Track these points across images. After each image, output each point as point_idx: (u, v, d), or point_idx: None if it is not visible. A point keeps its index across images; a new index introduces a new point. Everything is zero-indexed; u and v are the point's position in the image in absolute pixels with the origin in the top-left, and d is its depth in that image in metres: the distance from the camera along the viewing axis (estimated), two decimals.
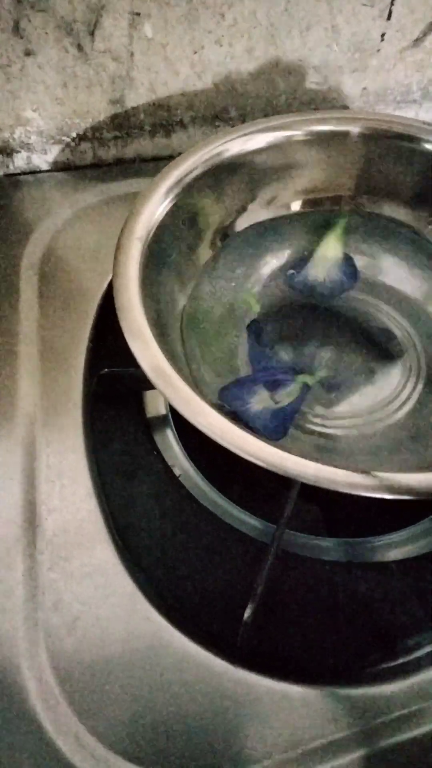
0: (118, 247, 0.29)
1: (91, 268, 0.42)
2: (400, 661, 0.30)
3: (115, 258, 0.29)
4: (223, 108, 0.46)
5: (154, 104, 0.45)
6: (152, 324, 0.28)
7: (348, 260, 0.38)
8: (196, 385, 0.29)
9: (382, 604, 0.31)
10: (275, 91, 0.46)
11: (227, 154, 0.33)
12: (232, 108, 0.46)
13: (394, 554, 0.32)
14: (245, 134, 0.33)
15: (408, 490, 0.23)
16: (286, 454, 0.23)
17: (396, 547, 0.33)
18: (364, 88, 0.47)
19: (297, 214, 0.38)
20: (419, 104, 0.49)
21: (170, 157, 0.48)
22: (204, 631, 0.30)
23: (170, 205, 0.31)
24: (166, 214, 0.31)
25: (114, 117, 0.45)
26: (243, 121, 0.47)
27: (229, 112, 0.46)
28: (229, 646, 0.29)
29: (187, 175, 0.32)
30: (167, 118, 0.46)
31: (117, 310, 0.28)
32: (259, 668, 0.29)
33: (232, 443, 0.24)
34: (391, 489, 0.23)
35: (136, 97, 0.44)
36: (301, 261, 0.38)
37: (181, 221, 0.33)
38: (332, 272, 0.37)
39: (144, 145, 0.48)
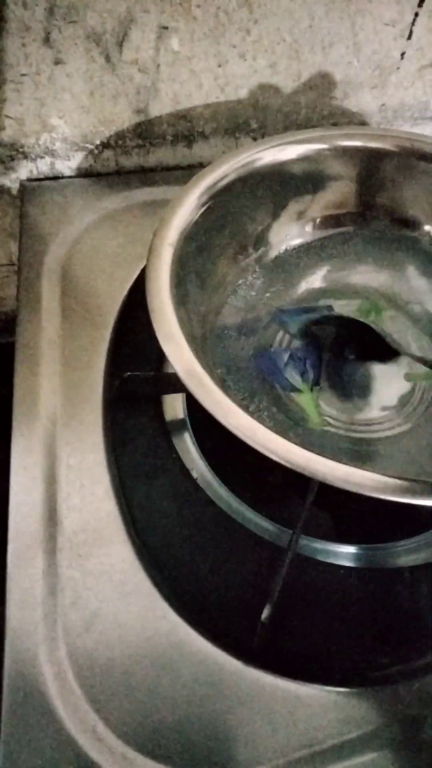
0: (151, 252, 0.30)
1: (112, 273, 0.43)
2: (412, 664, 0.30)
3: (148, 263, 0.30)
4: (245, 120, 0.47)
5: (177, 115, 0.46)
6: (183, 327, 0.28)
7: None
8: (222, 385, 0.29)
9: (396, 608, 0.31)
10: (296, 106, 0.47)
11: (259, 164, 0.34)
12: (253, 120, 0.47)
13: (408, 560, 0.33)
14: (278, 145, 0.34)
15: None
16: (314, 456, 0.24)
17: (410, 554, 0.33)
18: (383, 104, 0.48)
19: (322, 237, 0.39)
20: None
21: (191, 167, 0.50)
22: (219, 631, 0.30)
23: (202, 211, 0.32)
24: (198, 221, 0.32)
25: (137, 126, 0.46)
26: (264, 134, 0.48)
27: (250, 124, 0.47)
28: (244, 646, 0.30)
29: (219, 182, 0.33)
30: (189, 129, 0.47)
31: (150, 313, 0.28)
32: (274, 668, 0.30)
33: (261, 444, 0.24)
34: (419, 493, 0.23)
35: (160, 108, 0.45)
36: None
37: (212, 228, 0.34)
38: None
39: (166, 155, 0.49)
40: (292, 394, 0.34)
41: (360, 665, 0.30)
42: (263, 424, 0.25)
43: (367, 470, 0.24)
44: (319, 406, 0.34)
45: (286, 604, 0.30)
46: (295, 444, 0.24)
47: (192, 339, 0.29)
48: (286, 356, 0.34)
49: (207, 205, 0.32)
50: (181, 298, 0.29)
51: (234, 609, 0.31)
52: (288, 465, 0.24)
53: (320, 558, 0.33)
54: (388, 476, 0.23)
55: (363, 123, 0.49)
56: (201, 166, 0.50)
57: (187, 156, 0.49)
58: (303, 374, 0.35)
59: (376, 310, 0.37)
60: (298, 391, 0.34)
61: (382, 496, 0.23)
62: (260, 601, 0.30)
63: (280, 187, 0.36)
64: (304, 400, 0.34)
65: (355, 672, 0.30)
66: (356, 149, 0.36)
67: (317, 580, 0.32)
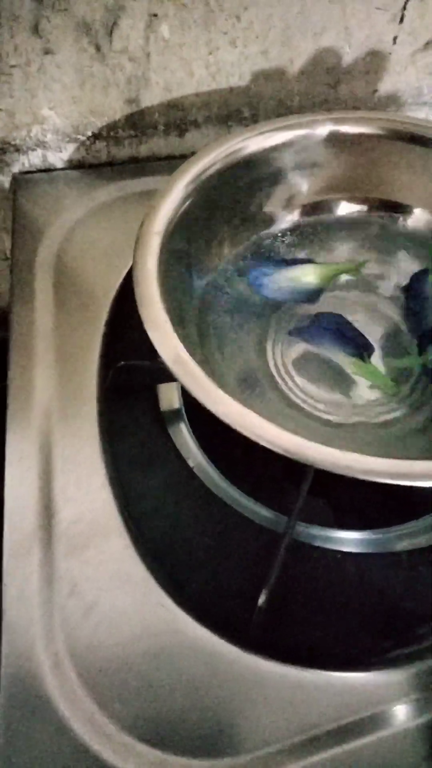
0: (138, 241, 0.30)
1: (105, 265, 0.43)
2: (411, 648, 0.30)
3: (135, 252, 0.30)
4: (237, 108, 0.47)
5: (168, 104, 0.45)
6: (171, 315, 0.28)
7: (317, 292, 0.39)
8: (213, 373, 0.29)
9: (393, 592, 0.31)
10: (288, 92, 0.46)
11: (245, 152, 0.34)
12: (246, 108, 0.47)
13: (406, 545, 0.33)
14: (264, 132, 0.34)
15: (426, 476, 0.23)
16: (304, 441, 0.24)
17: (407, 538, 0.33)
18: (376, 90, 0.48)
19: (311, 222, 0.39)
20: (430, 106, 0.50)
21: (184, 156, 0.49)
22: (216, 618, 0.30)
23: (189, 200, 0.32)
24: (185, 210, 0.32)
25: (129, 116, 0.46)
26: (256, 122, 0.48)
27: (243, 112, 0.47)
28: (241, 633, 0.30)
29: (205, 171, 0.33)
30: (181, 118, 0.47)
31: (137, 302, 0.28)
32: (271, 654, 0.30)
33: (250, 430, 0.24)
34: (409, 476, 0.23)
35: (152, 97, 0.45)
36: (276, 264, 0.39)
37: (199, 216, 0.33)
38: (289, 289, 0.38)
39: (158, 144, 0.48)
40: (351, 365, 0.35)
41: (358, 649, 0.30)
42: (256, 411, 0.25)
43: (354, 453, 0.23)
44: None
45: (283, 590, 0.30)
46: (285, 429, 0.24)
47: (182, 327, 0.28)
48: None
49: (194, 195, 0.32)
50: (170, 287, 0.29)
51: (231, 595, 0.31)
52: (278, 450, 0.24)
53: (317, 544, 0.33)
54: (377, 458, 0.23)
55: (356, 109, 0.48)
56: (194, 155, 0.50)
57: (180, 145, 0.49)
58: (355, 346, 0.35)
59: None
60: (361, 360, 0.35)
61: (371, 479, 0.23)
62: (257, 587, 0.30)
63: (267, 174, 0.36)
64: (368, 370, 0.35)
65: (353, 656, 0.30)
66: (343, 134, 0.36)
67: (314, 565, 0.32)
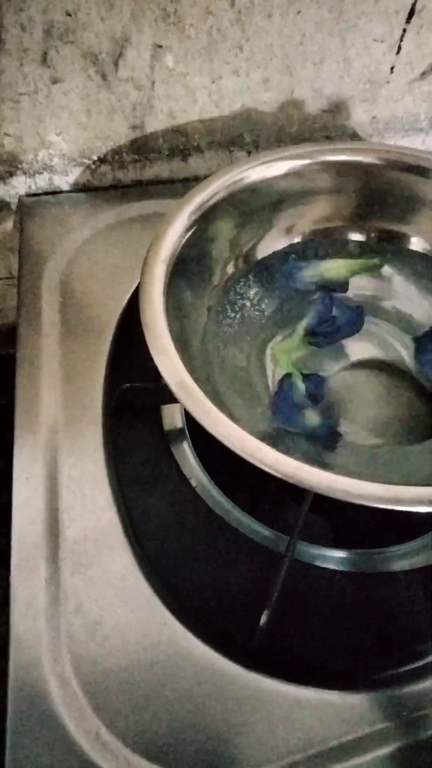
0: (144, 268, 0.31)
1: (111, 287, 0.44)
2: (409, 667, 0.31)
3: (141, 279, 0.31)
4: (239, 134, 0.48)
5: (172, 130, 0.47)
6: (175, 340, 0.29)
7: (343, 284, 0.40)
8: (216, 396, 0.30)
9: (391, 612, 0.32)
10: (289, 119, 0.48)
11: (248, 181, 0.35)
12: (247, 134, 0.48)
13: (403, 564, 0.34)
14: (266, 162, 0.35)
15: (418, 501, 0.24)
16: (301, 464, 0.25)
17: (404, 558, 0.34)
18: (374, 117, 0.49)
19: (313, 242, 0.40)
20: (426, 132, 0.51)
21: (187, 180, 0.51)
22: (219, 637, 0.31)
23: (193, 228, 0.33)
24: (189, 238, 0.33)
25: (134, 141, 0.47)
26: (257, 148, 0.49)
27: (245, 138, 0.48)
28: (243, 651, 0.31)
29: (209, 199, 0.34)
30: (185, 144, 0.48)
31: (143, 327, 0.29)
32: (273, 672, 0.30)
33: (249, 454, 0.25)
34: (400, 501, 0.24)
35: (156, 123, 0.46)
36: (306, 260, 0.40)
37: (204, 245, 0.35)
38: (319, 280, 0.39)
39: (162, 168, 0.49)
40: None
41: (358, 668, 0.31)
42: (258, 431, 0.26)
43: (353, 478, 0.24)
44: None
45: (284, 609, 0.31)
46: (284, 453, 0.25)
47: (186, 351, 0.29)
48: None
49: (198, 223, 0.33)
50: (174, 313, 0.30)
51: (233, 614, 0.32)
52: (275, 474, 0.25)
53: (318, 563, 0.34)
54: (371, 483, 0.24)
55: (355, 135, 0.50)
56: (197, 179, 0.51)
57: (183, 169, 0.50)
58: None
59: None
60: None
61: (365, 503, 0.24)
62: (259, 607, 0.31)
63: (268, 202, 0.37)
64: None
65: (352, 675, 0.31)
66: (342, 163, 0.37)
67: (314, 584, 0.33)
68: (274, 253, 0.38)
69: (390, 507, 0.24)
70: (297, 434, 0.34)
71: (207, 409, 0.26)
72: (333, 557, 0.34)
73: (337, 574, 0.33)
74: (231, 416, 0.27)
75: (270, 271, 0.39)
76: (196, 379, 0.28)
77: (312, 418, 0.35)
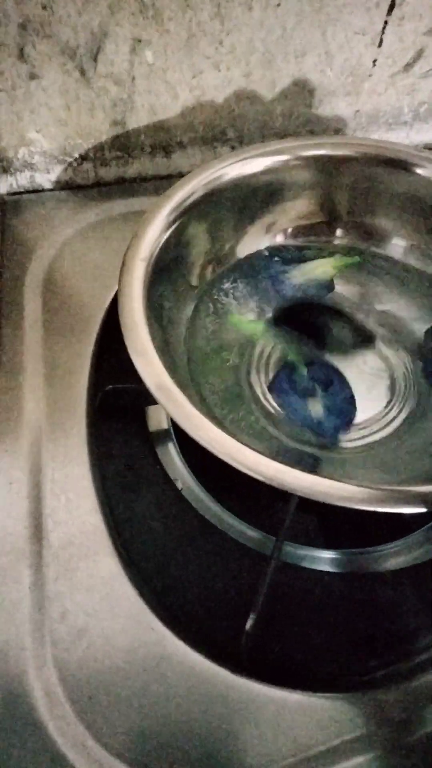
0: (123, 268, 0.30)
1: (94, 286, 0.43)
2: (398, 667, 0.31)
3: (120, 278, 0.30)
4: (222, 130, 0.47)
5: (154, 126, 0.46)
6: (156, 341, 0.29)
7: (329, 284, 0.39)
8: (200, 398, 0.30)
9: (379, 612, 0.32)
10: (272, 114, 0.47)
11: (226, 178, 0.35)
12: (230, 130, 0.48)
13: (391, 564, 0.33)
14: (244, 158, 0.35)
15: (401, 502, 0.24)
16: (283, 467, 0.25)
17: (392, 557, 0.33)
18: (357, 111, 0.48)
19: (299, 244, 0.39)
20: (410, 125, 0.51)
21: (170, 177, 0.50)
22: (207, 641, 0.31)
23: (173, 227, 0.32)
24: (169, 236, 0.32)
25: (115, 138, 0.46)
26: (241, 143, 0.49)
27: (227, 133, 0.48)
28: (231, 655, 0.30)
29: (188, 198, 0.33)
30: (167, 140, 0.47)
31: (122, 329, 0.29)
32: (261, 676, 0.30)
33: (231, 457, 0.25)
34: (383, 502, 0.24)
35: (137, 119, 0.45)
36: (290, 264, 0.40)
37: (184, 243, 0.34)
38: (309, 283, 0.38)
39: (144, 165, 0.49)
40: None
41: (346, 670, 0.31)
42: (240, 437, 0.25)
43: (335, 480, 0.24)
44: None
45: (271, 613, 0.30)
46: (266, 456, 0.24)
47: (167, 352, 0.29)
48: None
49: (177, 222, 0.33)
50: (155, 313, 0.30)
51: (220, 618, 0.31)
52: (256, 476, 0.24)
53: (305, 564, 0.33)
54: (353, 485, 0.24)
55: (338, 129, 0.49)
56: (180, 175, 0.50)
57: (167, 166, 0.49)
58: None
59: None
60: None
61: (348, 505, 0.24)
62: (246, 610, 0.30)
63: (248, 200, 0.37)
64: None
65: (341, 677, 0.30)
66: (321, 158, 0.36)
67: (301, 586, 0.32)
68: (256, 251, 0.38)
69: (372, 509, 0.24)
70: (292, 427, 0.33)
71: (187, 412, 0.26)
72: (321, 558, 0.34)
73: (325, 575, 0.33)
74: (214, 418, 0.26)
75: (254, 270, 0.39)
76: (178, 381, 0.28)
77: (317, 408, 0.35)
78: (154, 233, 0.31)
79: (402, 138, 0.52)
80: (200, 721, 0.29)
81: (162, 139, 0.47)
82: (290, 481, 0.24)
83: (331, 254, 0.39)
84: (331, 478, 0.25)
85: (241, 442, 0.25)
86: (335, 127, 0.49)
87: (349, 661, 0.31)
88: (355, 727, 0.29)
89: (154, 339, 0.29)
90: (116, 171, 0.49)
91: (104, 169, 0.48)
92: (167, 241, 0.32)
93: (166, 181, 0.49)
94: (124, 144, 0.47)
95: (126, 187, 0.49)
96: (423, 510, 0.25)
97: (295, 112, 0.47)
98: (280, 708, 0.29)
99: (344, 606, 0.32)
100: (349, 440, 0.35)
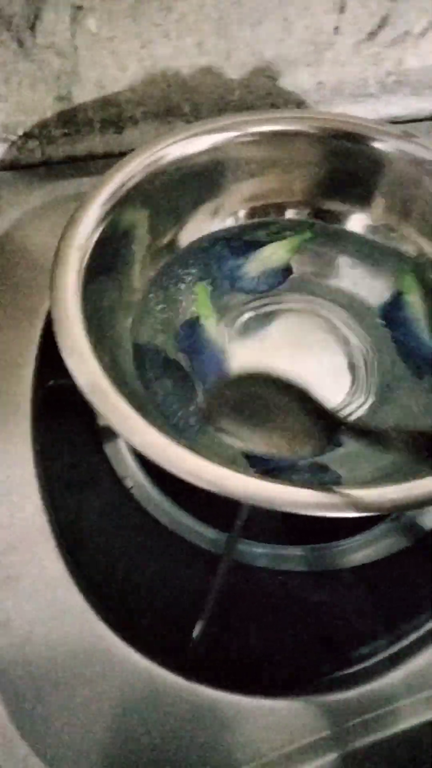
0: (56, 258, 0.28)
1: (43, 272, 0.40)
2: (355, 668, 0.30)
3: (53, 269, 0.28)
4: (176, 104, 0.45)
5: (103, 100, 0.43)
6: (93, 336, 0.27)
7: (286, 268, 0.38)
8: (140, 398, 0.28)
9: (337, 612, 0.31)
10: (228, 86, 0.44)
11: (168, 159, 0.32)
12: (185, 103, 0.45)
13: (350, 560, 0.32)
14: (185, 138, 0.32)
15: (351, 507, 0.22)
16: (226, 472, 0.23)
17: (352, 553, 0.32)
18: (320, 82, 0.46)
19: (248, 225, 0.37)
20: (377, 97, 0.48)
21: (122, 154, 0.47)
22: (157, 647, 0.29)
23: (111, 214, 0.30)
24: (107, 224, 0.30)
25: (61, 114, 0.43)
26: (197, 117, 0.46)
27: (183, 107, 0.45)
28: (183, 662, 0.29)
29: (127, 181, 0.31)
30: (117, 115, 0.44)
31: (53, 324, 0.27)
32: (214, 681, 0.29)
33: (169, 461, 0.23)
34: (333, 507, 0.22)
35: (84, 94, 0.43)
36: (243, 255, 0.37)
37: (124, 230, 0.32)
38: (267, 272, 0.37)
39: (95, 142, 0.46)
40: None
41: (301, 673, 0.30)
42: (179, 440, 0.24)
43: (278, 483, 0.22)
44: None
45: (223, 616, 0.29)
46: (208, 461, 0.23)
47: (106, 348, 0.27)
48: None
49: (119, 206, 0.30)
50: (95, 306, 0.28)
51: (170, 624, 0.30)
52: (197, 483, 0.23)
53: (259, 563, 0.32)
54: (299, 489, 0.22)
55: (300, 102, 0.47)
56: (117, 163, 0.47)
57: (118, 142, 0.46)
58: None
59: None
60: None
61: (294, 511, 0.22)
62: (198, 614, 0.29)
63: (192, 182, 0.34)
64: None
65: (296, 681, 0.29)
66: (270, 134, 0.34)
67: (256, 587, 0.31)
68: (207, 235, 0.36)
69: (320, 513, 0.22)
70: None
71: (122, 415, 0.24)
72: (278, 556, 0.32)
73: (280, 575, 0.31)
74: (160, 416, 0.24)
75: (207, 258, 0.37)
76: (117, 379, 0.26)
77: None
78: (90, 220, 0.29)
79: (369, 111, 0.49)
80: (153, 730, 0.28)
81: (112, 114, 0.44)
82: (233, 486, 0.23)
83: (282, 236, 0.37)
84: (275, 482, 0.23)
85: (182, 445, 0.24)
86: (297, 100, 0.47)
87: (305, 664, 0.30)
88: (312, 731, 0.28)
89: (90, 334, 0.27)
90: (65, 149, 0.46)
91: (51, 147, 0.46)
92: (106, 228, 0.30)
93: (118, 159, 0.46)
94: (71, 120, 0.44)
95: (76, 165, 0.46)
96: (373, 514, 0.23)
97: (254, 84, 0.45)
98: (234, 713, 0.28)
99: (300, 607, 0.31)
100: None
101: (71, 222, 0.29)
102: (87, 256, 0.28)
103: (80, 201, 0.30)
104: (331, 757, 0.28)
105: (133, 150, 0.46)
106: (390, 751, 0.28)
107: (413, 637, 0.31)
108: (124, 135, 0.46)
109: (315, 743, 0.28)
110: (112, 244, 0.31)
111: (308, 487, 0.23)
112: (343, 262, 0.37)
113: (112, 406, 0.24)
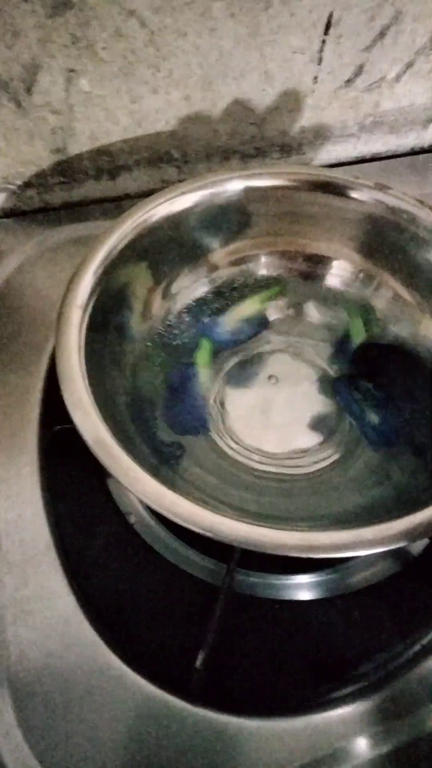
0: (59, 316, 0.30)
1: (43, 317, 0.43)
2: (350, 688, 0.32)
3: (56, 328, 0.30)
4: (166, 151, 0.47)
5: (97, 151, 0.46)
6: (96, 392, 0.29)
7: (262, 319, 0.40)
8: (146, 443, 0.30)
9: (331, 636, 0.33)
10: (215, 133, 0.47)
11: (160, 216, 0.35)
12: (175, 150, 0.47)
13: (343, 587, 0.34)
14: (170, 198, 0.35)
15: (333, 548, 0.25)
16: (218, 518, 0.25)
17: (344, 580, 0.34)
18: (302, 127, 0.48)
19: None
20: (357, 137, 0.51)
21: (117, 199, 0.50)
22: (164, 676, 0.31)
23: (111, 270, 0.32)
24: (105, 281, 0.32)
25: (58, 164, 0.46)
26: (186, 162, 0.48)
27: (172, 154, 0.47)
28: (188, 687, 0.31)
29: (123, 238, 0.33)
30: (111, 163, 0.47)
31: (59, 380, 0.29)
32: (218, 706, 0.31)
33: (167, 509, 0.25)
34: (318, 549, 0.24)
35: (79, 146, 0.45)
36: (218, 310, 0.41)
37: (122, 285, 0.34)
38: (242, 324, 0.39)
39: (90, 189, 0.48)
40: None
41: (299, 695, 0.32)
42: (176, 487, 0.26)
43: (269, 528, 0.25)
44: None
45: (224, 643, 0.31)
46: (203, 507, 0.25)
47: (108, 401, 0.29)
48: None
49: (115, 264, 0.33)
50: (96, 360, 0.30)
51: (177, 654, 0.32)
52: (194, 528, 0.25)
53: (257, 593, 0.34)
54: (286, 532, 0.24)
55: (284, 145, 0.49)
56: (127, 197, 0.50)
57: (112, 188, 0.49)
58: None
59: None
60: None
61: (281, 553, 0.24)
62: (200, 643, 0.31)
63: (181, 238, 0.37)
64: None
65: (295, 702, 0.31)
66: (257, 189, 0.37)
67: (254, 615, 0.33)
68: (193, 292, 0.38)
69: (306, 556, 0.25)
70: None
71: (124, 467, 0.26)
72: (272, 584, 0.34)
73: (276, 604, 0.34)
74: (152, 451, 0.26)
75: (193, 314, 0.39)
76: (117, 430, 0.28)
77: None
78: (90, 279, 0.31)
79: (350, 150, 0.52)
80: (161, 751, 0.30)
81: (106, 162, 0.47)
82: (226, 531, 0.25)
83: (255, 291, 0.40)
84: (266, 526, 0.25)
85: (179, 493, 0.26)
86: (281, 143, 0.49)
87: (301, 686, 0.32)
88: (310, 749, 0.30)
89: (93, 387, 0.29)
90: (61, 196, 0.48)
91: (49, 195, 0.48)
92: (104, 286, 0.32)
93: (112, 204, 0.49)
94: (67, 170, 0.46)
95: (73, 211, 0.49)
96: (361, 554, 0.25)
97: (239, 131, 0.47)
98: (237, 734, 0.30)
99: (295, 632, 0.33)
100: (296, 467, 0.36)
101: (71, 282, 0.31)
102: (88, 314, 0.31)
103: (80, 261, 0.32)
104: None
105: (126, 194, 0.49)
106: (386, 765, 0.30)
107: (405, 657, 0.33)
108: (117, 181, 0.48)
109: (315, 761, 0.30)
110: (110, 301, 0.33)
111: (295, 530, 0.25)
112: (312, 307, 0.40)
113: (116, 459, 0.26)
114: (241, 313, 0.39)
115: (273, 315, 0.41)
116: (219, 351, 0.39)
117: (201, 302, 0.39)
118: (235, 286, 0.40)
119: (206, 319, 0.39)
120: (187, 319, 0.38)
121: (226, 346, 0.40)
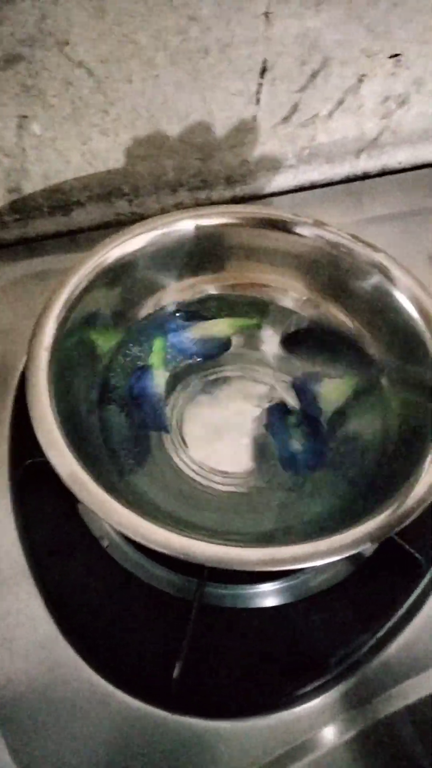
0: (29, 359, 0.32)
1: (6, 352, 0.44)
2: (315, 684, 0.35)
3: (26, 370, 0.32)
4: (117, 186, 0.49)
5: (50, 189, 0.47)
6: (67, 429, 0.31)
7: (226, 343, 0.43)
8: (111, 480, 0.32)
9: (295, 639, 0.36)
10: (163, 169, 0.49)
11: (115, 258, 0.37)
12: (125, 185, 0.50)
13: (305, 591, 0.37)
14: (125, 240, 0.37)
15: (293, 560, 0.28)
16: (190, 541, 0.28)
17: (306, 585, 0.37)
18: (244, 160, 0.51)
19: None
20: (296, 168, 0.54)
21: (72, 232, 0.52)
22: (144, 689, 0.34)
23: (72, 312, 0.35)
24: (69, 322, 0.34)
25: (12, 203, 0.47)
26: (137, 196, 0.51)
27: (122, 189, 0.50)
28: (167, 697, 0.33)
29: (80, 283, 0.35)
30: (64, 200, 0.49)
31: (32, 421, 0.31)
32: (195, 711, 0.33)
33: (143, 537, 0.28)
34: (280, 562, 0.27)
35: (32, 185, 0.47)
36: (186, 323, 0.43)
37: (82, 325, 0.36)
38: (206, 340, 0.42)
39: (45, 224, 0.50)
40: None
41: (268, 694, 0.34)
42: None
43: (234, 546, 0.27)
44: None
45: (199, 654, 0.34)
46: (175, 533, 0.27)
47: (79, 435, 0.31)
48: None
49: (74, 306, 0.35)
50: (64, 399, 0.32)
51: (154, 667, 0.34)
52: (168, 553, 0.27)
53: (227, 603, 0.37)
54: (248, 549, 0.27)
55: (228, 177, 0.52)
56: (81, 230, 0.52)
57: (66, 223, 0.51)
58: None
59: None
60: None
61: (245, 569, 0.27)
62: (176, 656, 0.33)
63: (135, 276, 0.40)
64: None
65: (265, 701, 0.34)
66: (206, 227, 0.40)
67: (226, 625, 0.36)
68: (154, 321, 0.41)
69: (269, 569, 0.27)
70: None
71: (99, 500, 0.28)
72: (241, 594, 0.37)
73: (244, 612, 0.36)
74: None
75: (157, 324, 0.42)
76: (89, 461, 0.30)
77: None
78: (54, 320, 0.34)
79: (289, 179, 0.55)
80: (143, 758, 0.32)
81: (59, 199, 0.49)
82: (197, 552, 0.28)
83: (229, 315, 0.43)
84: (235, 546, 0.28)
85: (151, 521, 0.28)
86: (225, 176, 0.52)
87: (270, 686, 0.35)
88: (282, 743, 0.33)
89: (64, 427, 0.31)
90: (17, 232, 0.50)
91: (4, 231, 0.49)
92: (67, 327, 0.34)
93: (67, 237, 0.51)
94: (21, 207, 0.48)
95: (29, 247, 0.50)
96: (318, 564, 0.28)
97: (186, 166, 0.50)
98: (214, 736, 0.33)
99: (263, 638, 0.35)
100: (251, 485, 0.39)
101: (38, 325, 0.33)
102: (54, 354, 0.33)
103: (44, 304, 0.34)
104: (303, 763, 0.33)
105: (80, 228, 0.51)
106: (352, 752, 0.33)
107: (364, 650, 0.36)
108: (71, 216, 0.50)
109: (286, 753, 0.33)
110: (74, 340, 0.35)
111: (257, 547, 0.28)
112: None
113: (90, 493, 0.29)
114: (207, 330, 0.42)
115: (235, 339, 0.44)
116: (174, 358, 0.42)
117: (165, 317, 0.42)
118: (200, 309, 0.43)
119: (170, 326, 0.42)
120: (150, 330, 0.41)
121: (181, 354, 0.42)
